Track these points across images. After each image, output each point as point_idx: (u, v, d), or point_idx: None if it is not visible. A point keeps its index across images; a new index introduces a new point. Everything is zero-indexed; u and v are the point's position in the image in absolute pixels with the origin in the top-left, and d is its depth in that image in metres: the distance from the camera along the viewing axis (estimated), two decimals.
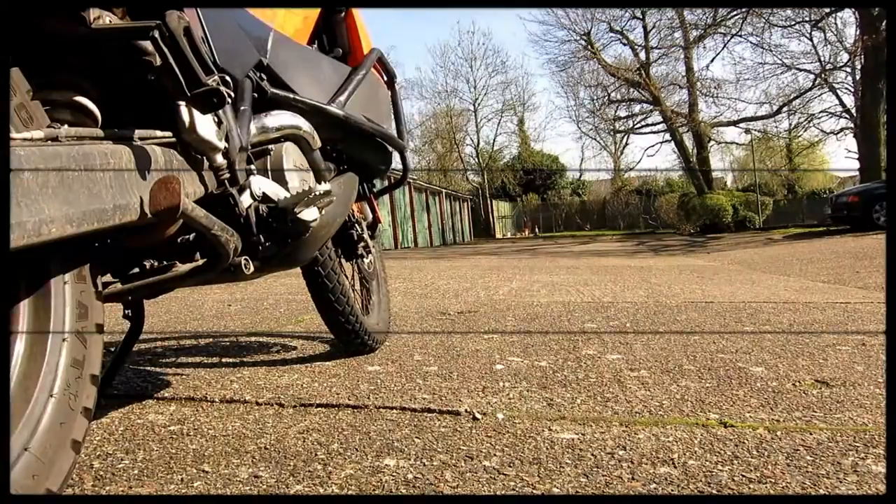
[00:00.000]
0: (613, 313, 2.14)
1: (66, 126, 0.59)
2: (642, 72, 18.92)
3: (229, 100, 0.70)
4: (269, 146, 0.87)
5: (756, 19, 16.91)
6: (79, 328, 0.62)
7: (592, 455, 0.81)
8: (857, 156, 16.24)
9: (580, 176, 32.44)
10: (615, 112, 22.28)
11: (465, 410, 1.00)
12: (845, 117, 20.22)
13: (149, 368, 1.35)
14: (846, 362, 1.31)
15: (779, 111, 20.00)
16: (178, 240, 0.75)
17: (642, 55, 19.47)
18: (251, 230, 0.78)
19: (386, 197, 15.30)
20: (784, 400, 1.04)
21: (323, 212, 0.89)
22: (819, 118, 21.52)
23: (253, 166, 0.81)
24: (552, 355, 1.43)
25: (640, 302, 2.48)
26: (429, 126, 32.36)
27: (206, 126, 0.71)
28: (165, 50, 0.65)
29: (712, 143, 21.52)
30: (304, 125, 0.97)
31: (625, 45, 19.88)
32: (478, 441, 0.86)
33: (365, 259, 1.40)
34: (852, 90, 18.09)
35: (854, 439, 0.85)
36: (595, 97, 22.17)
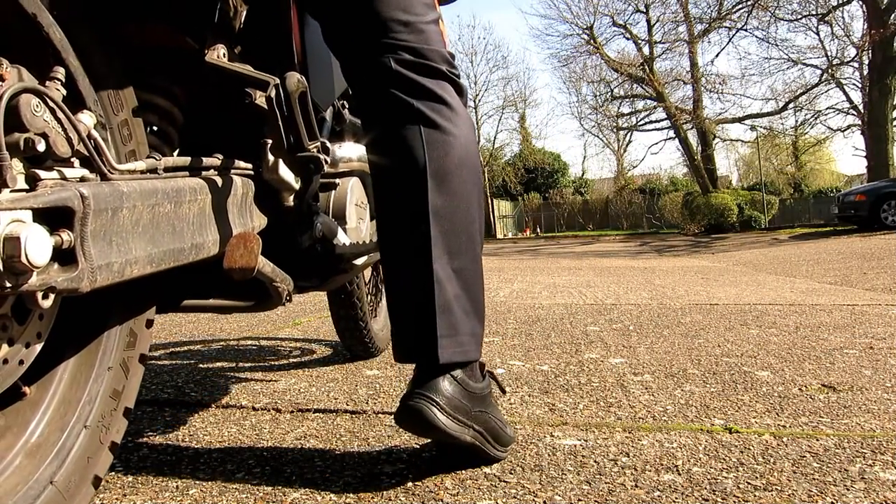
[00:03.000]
0: (616, 316, 2.12)
1: (164, 158, 0.58)
2: (646, 67, 18.84)
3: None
4: (336, 179, 0.86)
5: (762, 13, 16.82)
6: (125, 357, 0.59)
7: (595, 462, 0.79)
8: (864, 153, 16.11)
9: (583, 174, 32.37)
10: (618, 108, 22.23)
11: None
12: (852, 114, 20.09)
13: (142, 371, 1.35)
14: (853, 366, 1.28)
15: (785, 107, 19.88)
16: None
17: (646, 50, 19.39)
18: (304, 270, 0.78)
19: None
20: (790, 405, 1.02)
21: (369, 255, 0.90)
22: (826, 115, 21.41)
23: (319, 203, 0.81)
24: (554, 359, 1.41)
25: (644, 304, 2.46)
26: None
27: (285, 167, 0.71)
28: (276, 107, 0.65)
29: (717, 140, 21.43)
30: None
31: (628, 39, 19.81)
32: None
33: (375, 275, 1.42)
34: (860, 86, 17.97)
35: (862, 445, 0.83)
36: (598, 93, 22.11)
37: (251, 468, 0.79)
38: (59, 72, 0.48)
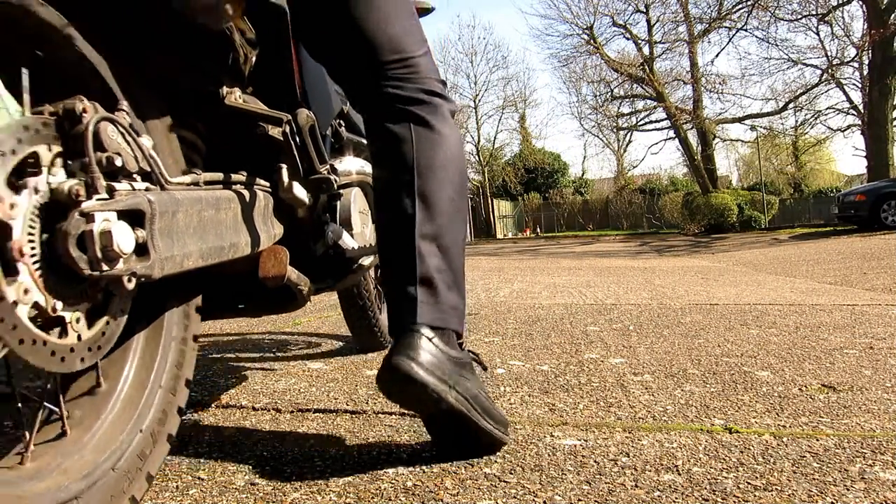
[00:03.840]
0: (616, 315, 2.12)
1: (203, 173, 0.69)
2: (646, 67, 18.82)
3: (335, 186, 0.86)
4: (340, 190, 0.94)
5: (762, 13, 16.81)
6: (183, 336, 0.70)
7: (595, 462, 0.79)
8: (864, 153, 16.10)
9: (583, 174, 32.35)
10: (618, 108, 22.21)
11: None
12: (852, 114, 20.08)
13: None
14: (853, 366, 1.28)
15: (785, 107, 19.87)
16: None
17: (646, 50, 19.39)
18: (320, 273, 0.89)
19: None
20: (790, 405, 1.02)
21: (375, 256, 1.02)
22: (826, 115, 21.40)
23: (328, 214, 0.91)
24: (554, 359, 1.41)
25: (644, 304, 2.46)
26: None
27: (298, 186, 0.82)
28: (290, 139, 0.79)
29: (717, 140, 21.42)
30: (370, 170, 0.99)
31: (628, 39, 19.80)
32: None
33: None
34: (860, 86, 17.96)
35: (862, 445, 0.83)
36: (598, 93, 22.10)
37: (251, 468, 0.79)
38: (124, 104, 0.60)
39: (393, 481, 0.74)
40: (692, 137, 20.02)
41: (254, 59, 0.77)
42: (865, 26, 14.42)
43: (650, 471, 0.76)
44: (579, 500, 0.69)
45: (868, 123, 15.25)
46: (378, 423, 0.96)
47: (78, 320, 0.53)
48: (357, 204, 1.02)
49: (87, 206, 0.51)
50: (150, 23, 0.65)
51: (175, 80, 0.70)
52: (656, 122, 21.85)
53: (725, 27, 18.02)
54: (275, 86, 0.81)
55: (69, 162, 0.53)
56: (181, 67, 0.71)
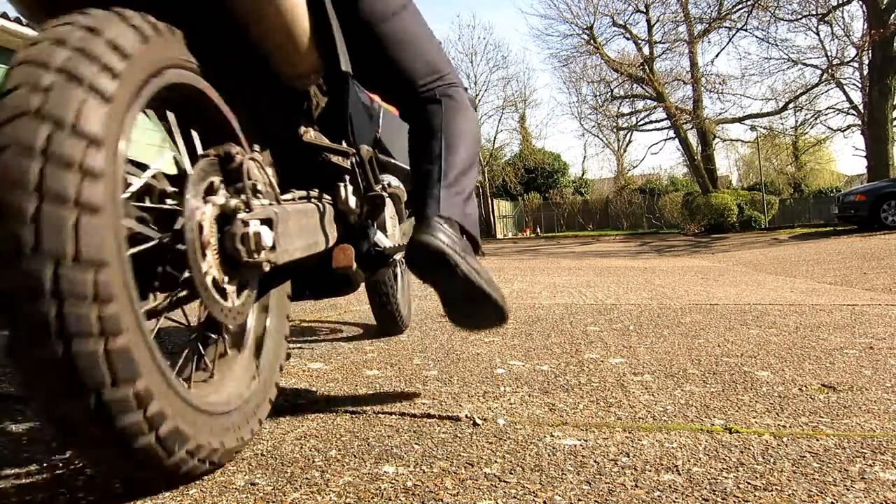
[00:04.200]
0: (616, 315, 2.12)
1: (296, 191, 0.95)
2: (646, 67, 18.82)
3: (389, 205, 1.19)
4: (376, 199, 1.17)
5: (762, 13, 16.80)
6: (286, 311, 1.00)
7: (595, 462, 0.79)
8: (864, 153, 16.10)
9: (583, 174, 32.33)
10: (618, 108, 22.21)
11: (466, 416, 0.98)
12: (852, 114, 20.08)
13: None
14: (853, 366, 1.28)
15: (785, 107, 19.87)
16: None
17: (646, 50, 19.38)
18: (365, 265, 1.10)
19: None
20: (790, 405, 1.02)
21: (401, 252, 1.25)
22: (826, 115, 21.40)
23: (369, 220, 1.13)
24: (554, 359, 1.41)
25: (644, 304, 2.46)
26: None
27: (353, 199, 1.05)
28: (355, 168, 1.06)
29: (717, 140, 21.42)
30: (398, 184, 1.29)
31: (628, 39, 19.79)
32: (478, 447, 0.85)
33: (399, 264, 1.74)
34: (860, 86, 17.95)
35: (862, 445, 0.83)
36: (598, 93, 22.09)
37: (251, 468, 0.79)
38: (256, 147, 0.87)
39: (393, 481, 0.74)
40: (692, 137, 20.03)
41: (323, 104, 1.03)
42: (865, 26, 14.42)
43: (650, 471, 0.76)
44: (579, 500, 0.69)
45: (868, 123, 15.24)
46: (378, 423, 0.96)
47: (234, 292, 0.78)
48: (389, 210, 1.21)
49: (244, 216, 0.77)
50: (261, 89, 0.92)
51: (274, 127, 0.95)
52: (656, 122, 21.86)
53: (725, 27, 18.02)
54: (333, 124, 1.05)
55: (229, 187, 0.79)
56: (279, 118, 0.96)
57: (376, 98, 1.25)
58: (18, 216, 0.51)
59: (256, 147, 0.85)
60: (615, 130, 28.20)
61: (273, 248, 0.79)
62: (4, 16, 5.04)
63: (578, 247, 11.68)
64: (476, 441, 0.88)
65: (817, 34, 18.08)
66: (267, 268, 0.79)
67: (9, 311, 0.52)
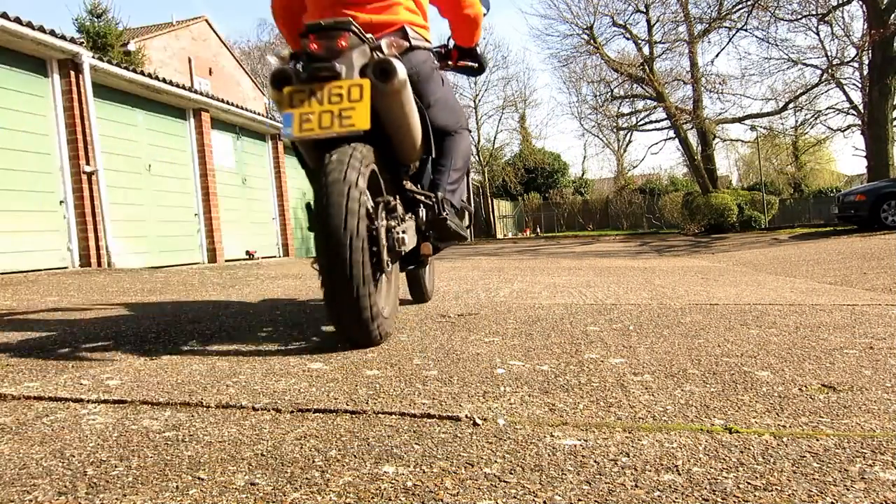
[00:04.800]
0: (616, 315, 2.12)
1: (406, 213, 1.72)
2: (646, 67, 18.80)
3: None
4: None
5: (762, 13, 16.78)
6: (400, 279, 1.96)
7: (595, 462, 0.79)
8: (864, 153, 16.09)
9: (583, 174, 32.28)
10: (618, 108, 22.18)
11: (466, 416, 0.98)
12: (852, 114, 20.05)
13: (142, 371, 1.35)
14: (854, 366, 1.28)
15: (785, 107, 19.85)
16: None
17: (646, 50, 19.35)
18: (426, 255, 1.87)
19: None
20: (790, 405, 1.02)
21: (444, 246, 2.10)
22: (826, 115, 21.37)
23: (431, 232, 1.86)
24: (554, 359, 1.41)
25: (644, 304, 2.46)
26: None
27: (427, 220, 1.79)
28: (433, 202, 1.78)
29: (717, 140, 21.39)
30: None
31: (628, 39, 19.76)
32: (478, 447, 0.85)
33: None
34: (860, 86, 17.92)
35: (862, 445, 0.83)
36: (598, 93, 22.07)
37: (251, 468, 0.79)
38: (396, 196, 1.66)
39: (393, 481, 0.74)
40: (692, 137, 20.01)
41: (418, 163, 1.84)
42: (865, 26, 14.40)
43: (650, 471, 0.76)
44: (579, 500, 0.69)
45: (868, 123, 15.23)
46: (378, 423, 0.96)
47: (389, 261, 1.56)
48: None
49: (398, 228, 1.57)
50: (397, 167, 1.68)
51: (397, 183, 1.71)
52: (656, 122, 21.83)
53: (725, 27, 18.00)
54: (419, 174, 1.86)
55: (388, 215, 1.55)
56: (399, 179, 1.72)
57: None
58: (339, 216, 1.32)
59: (396, 196, 1.66)
60: (615, 130, 28.16)
61: (405, 243, 1.60)
62: (4, 16, 5.04)
63: (578, 247, 11.67)
64: (476, 441, 0.87)
65: (817, 34, 18.08)
66: (402, 252, 1.62)
67: (326, 254, 1.32)
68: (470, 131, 1.94)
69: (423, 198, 1.74)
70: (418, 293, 2.49)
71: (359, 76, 1.43)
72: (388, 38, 1.56)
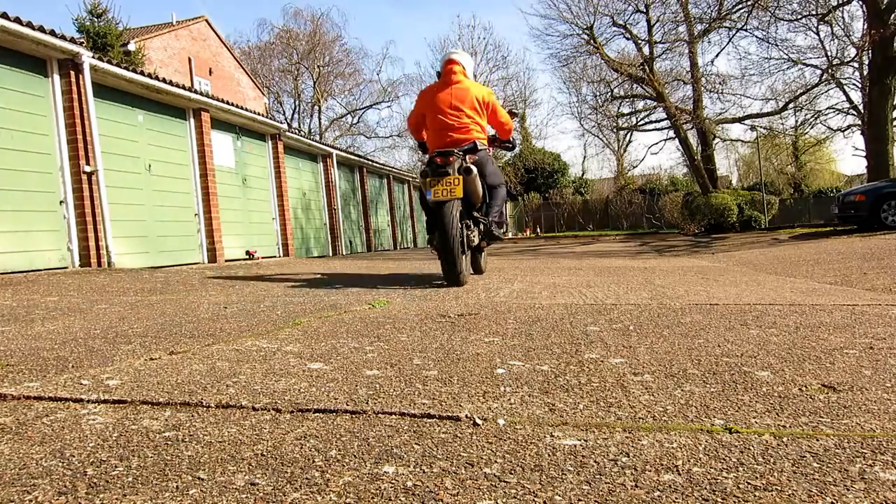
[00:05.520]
0: (616, 316, 2.12)
1: (476, 228, 3.62)
2: (646, 67, 18.79)
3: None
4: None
5: (762, 13, 16.77)
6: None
7: (595, 462, 0.79)
8: (864, 153, 16.08)
9: (583, 174, 32.24)
10: (618, 108, 22.16)
11: (466, 416, 0.98)
12: (852, 114, 20.04)
13: (142, 371, 1.35)
14: (854, 366, 1.28)
15: (785, 107, 19.85)
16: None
17: (646, 50, 19.34)
18: (490, 242, 3.75)
19: (385, 196, 15.33)
20: (790, 405, 1.02)
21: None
22: (826, 115, 21.36)
23: (485, 243, 3.82)
24: (554, 359, 1.41)
25: (644, 304, 2.46)
26: None
27: (478, 231, 3.56)
28: (486, 224, 3.60)
29: (717, 140, 21.38)
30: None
31: (628, 39, 19.75)
32: (478, 447, 0.85)
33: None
34: (860, 86, 17.91)
35: (862, 445, 0.83)
36: (598, 93, 22.06)
37: (251, 468, 0.79)
38: (470, 221, 3.59)
39: (393, 481, 0.74)
40: (692, 137, 20.00)
41: (486, 197, 3.58)
42: (865, 26, 14.39)
43: (650, 471, 0.76)
44: (579, 500, 0.69)
45: (868, 123, 15.23)
46: (378, 423, 0.96)
47: (469, 253, 3.70)
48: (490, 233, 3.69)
49: (471, 234, 3.40)
50: (469, 204, 3.40)
51: (469, 213, 3.46)
52: (656, 122, 21.83)
53: (725, 27, 17.99)
54: (479, 208, 3.54)
55: (467, 228, 3.38)
56: (471, 210, 3.49)
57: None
58: (450, 229, 3.16)
59: (470, 220, 3.39)
60: (615, 130, 28.13)
61: (473, 241, 3.38)
62: (4, 16, 5.04)
63: (578, 247, 11.67)
64: (476, 441, 0.88)
65: (817, 34, 18.08)
66: (472, 244, 3.43)
67: (443, 244, 3.15)
68: (504, 184, 3.68)
69: (482, 220, 3.49)
70: (477, 268, 4.05)
71: (456, 174, 3.18)
72: (467, 154, 3.36)
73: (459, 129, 3.32)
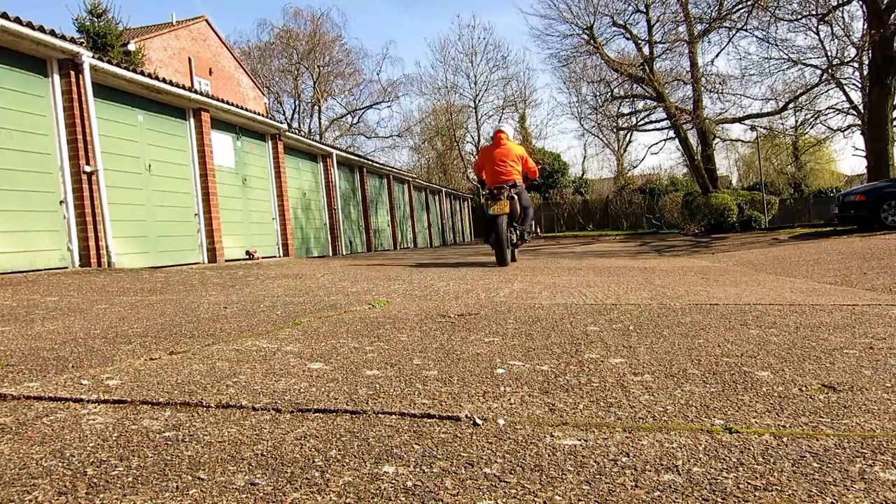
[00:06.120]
0: (616, 316, 2.12)
1: (515, 232, 5.81)
2: (646, 67, 18.79)
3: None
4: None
5: (762, 13, 16.76)
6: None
7: (595, 462, 0.79)
8: (864, 153, 16.08)
9: (583, 174, 32.25)
10: (618, 108, 22.16)
11: (466, 416, 0.98)
12: (852, 114, 20.04)
13: (142, 371, 1.35)
14: (853, 366, 1.28)
15: (785, 107, 19.85)
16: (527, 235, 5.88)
17: (646, 50, 19.34)
18: (518, 242, 5.75)
19: (385, 196, 15.34)
20: (790, 405, 1.02)
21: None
22: (826, 115, 21.36)
23: (519, 240, 5.90)
24: (554, 359, 1.41)
25: (644, 304, 2.46)
26: (428, 123, 32.26)
27: (518, 232, 5.76)
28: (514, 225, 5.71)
29: (717, 140, 21.38)
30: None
31: (628, 39, 19.75)
32: (478, 447, 0.85)
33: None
34: (860, 86, 17.91)
35: (862, 445, 0.83)
36: (598, 93, 22.05)
37: (251, 468, 0.79)
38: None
39: (393, 481, 0.74)
40: (692, 137, 19.99)
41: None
42: (865, 26, 14.39)
43: (650, 471, 0.76)
44: (579, 500, 0.69)
45: (868, 123, 15.22)
46: (378, 423, 0.96)
47: (514, 245, 5.78)
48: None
49: (512, 236, 5.58)
50: (513, 216, 5.55)
51: (512, 220, 5.59)
52: (656, 122, 21.81)
53: (725, 27, 17.98)
54: (517, 220, 5.63)
55: (510, 231, 5.55)
56: (513, 221, 5.59)
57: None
58: (501, 232, 5.23)
59: (513, 227, 5.53)
60: (615, 130, 28.13)
61: (513, 240, 5.55)
62: (4, 16, 5.04)
63: (578, 247, 11.67)
64: (476, 441, 0.88)
65: (817, 34, 18.07)
66: (513, 241, 5.54)
67: (497, 239, 5.23)
68: (531, 206, 5.71)
69: (518, 228, 5.48)
70: (513, 257, 5.63)
71: (505, 199, 5.22)
72: (511, 188, 5.36)
73: (506, 173, 5.47)
